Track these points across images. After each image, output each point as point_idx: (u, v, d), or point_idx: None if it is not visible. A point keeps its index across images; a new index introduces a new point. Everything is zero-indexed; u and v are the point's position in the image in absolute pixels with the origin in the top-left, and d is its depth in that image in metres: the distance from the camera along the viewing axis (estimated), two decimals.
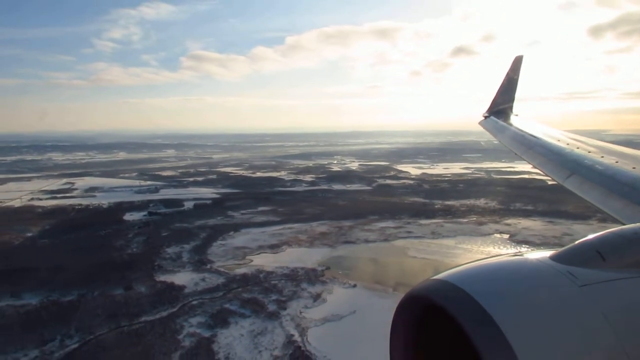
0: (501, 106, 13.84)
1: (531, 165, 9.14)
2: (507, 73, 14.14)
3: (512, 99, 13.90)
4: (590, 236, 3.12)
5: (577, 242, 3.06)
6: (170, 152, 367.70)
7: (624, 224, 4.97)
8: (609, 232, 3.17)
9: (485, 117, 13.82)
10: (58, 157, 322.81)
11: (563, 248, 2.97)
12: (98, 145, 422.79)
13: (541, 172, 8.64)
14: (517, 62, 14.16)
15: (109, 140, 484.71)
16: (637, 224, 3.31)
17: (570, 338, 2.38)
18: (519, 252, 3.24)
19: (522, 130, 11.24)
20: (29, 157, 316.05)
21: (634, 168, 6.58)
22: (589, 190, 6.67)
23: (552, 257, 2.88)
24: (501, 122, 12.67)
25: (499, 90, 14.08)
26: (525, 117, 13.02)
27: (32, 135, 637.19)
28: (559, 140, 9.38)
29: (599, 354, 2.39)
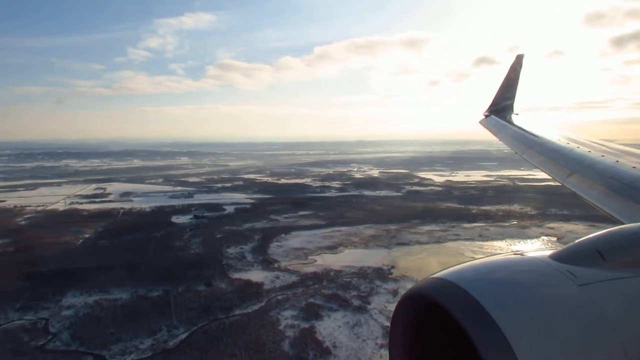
0: (502, 105, 13.79)
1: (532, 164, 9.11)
2: (508, 72, 14.17)
3: (512, 98, 13.85)
4: (590, 235, 3.14)
5: (577, 241, 3.10)
6: (184, 159, 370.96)
7: (624, 224, 5.05)
8: (608, 232, 3.19)
9: (486, 116, 13.73)
10: (75, 163, 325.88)
11: (563, 247, 3.00)
12: (109, 153, 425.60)
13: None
14: (518, 61, 14.17)
15: (117, 148, 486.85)
16: (637, 223, 3.34)
17: (569, 337, 2.38)
18: (519, 250, 3.26)
19: (522, 129, 11.27)
20: (46, 164, 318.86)
21: (634, 167, 6.55)
22: (589, 189, 6.65)
23: (552, 256, 2.89)
24: (502, 121, 12.63)
25: (499, 89, 14.05)
26: (525, 116, 12.99)
27: (40, 143, 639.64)
28: (559, 140, 9.33)
29: (598, 353, 2.38)
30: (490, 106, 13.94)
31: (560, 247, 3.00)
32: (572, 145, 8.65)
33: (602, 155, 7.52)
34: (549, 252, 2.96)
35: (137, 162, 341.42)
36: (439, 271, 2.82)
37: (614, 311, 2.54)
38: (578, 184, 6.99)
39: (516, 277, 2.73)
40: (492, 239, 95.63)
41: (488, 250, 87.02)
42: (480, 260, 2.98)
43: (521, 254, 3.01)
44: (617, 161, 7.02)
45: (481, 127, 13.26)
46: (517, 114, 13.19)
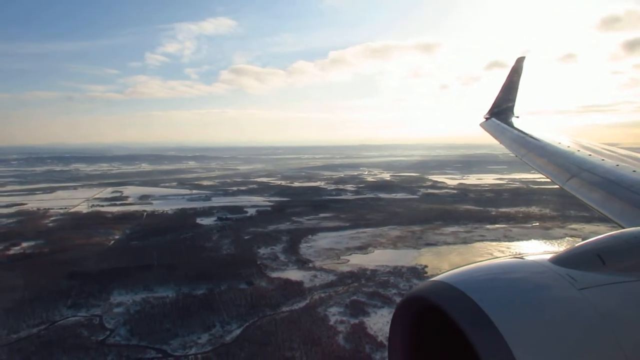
0: (502, 107, 13.72)
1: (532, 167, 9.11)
2: (509, 74, 14.11)
3: (513, 101, 13.78)
4: (590, 239, 3.14)
5: (577, 245, 3.10)
6: (192, 163, 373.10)
7: (624, 228, 5.07)
8: (609, 236, 3.19)
9: (487, 119, 13.64)
10: (84, 167, 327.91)
11: (563, 251, 3.01)
12: (116, 157, 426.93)
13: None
14: (519, 64, 14.21)
15: (122, 153, 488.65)
16: (638, 227, 3.35)
17: (569, 341, 2.38)
18: (519, 254, 3.25)
19: (522, 132, 11.24)
20: (56, 168, 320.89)
21: (634, 171, 6.56)
22: (590, 193, 6.65)
23: (552, 260, 2.90)
24: (502, 124, 12.58)
25: (500, 92, 14.02)
26: (525, 119, 13.00)
27: (43, 147, 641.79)
28: (559, 143, 9.29)
29: (597, 357, 2.38)
30: (491, 109, 13.93)
31: (560, 251, 3.02)
32: (572, 148, 8.66)
33: (602, 159, 7.53)
34: (549, 256, 2.97)
35: (145, 166, 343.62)
36: (439, 274, 2.85)
37: (614, 315, 2.53)
38: (578, 188, 6.97)
39: (516, 280, 2.74)
40: (518, 240, 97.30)
41: (516, 251, 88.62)
42: (480, 263, 2.98)
43: (521, 258, 3.02)
44: (617, 165, 7.04)
45: (485, 131, 13.12)
46: (517, 117, 13.16)
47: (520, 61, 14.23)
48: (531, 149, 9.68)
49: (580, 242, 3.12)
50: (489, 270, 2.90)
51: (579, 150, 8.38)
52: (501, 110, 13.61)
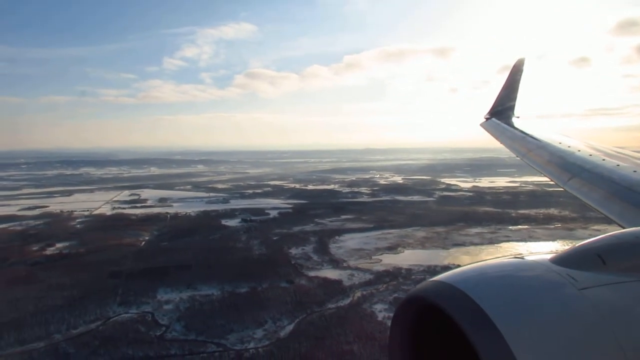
0: (502, 108, 13.72)
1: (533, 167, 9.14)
2: (509, 75, 14.17)
3: (513, 101, 13.76)
4: (591, 239, 3.17)
5: (577, 245, 3.12)
6: (201, 167, 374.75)
7: (624, 228, 5.08)
8: (609, 236, 3.22)
9: (487, 119, 13.69)
10: (94, 171, 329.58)
11: (563, 251, 3.02)
12: (124, 161, 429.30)
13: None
14: (519, 65, 14.27)
15: (127, 157, 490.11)
16: (638, 227, 3.41)
17: (569, 341, 2.40)
18: (519, 254, 3.27)
19: (523, 132, 11.26)
20: (66, 172, 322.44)
21: (635, 172, 6.57)
22: (590, 193, 6.65)
23: (553, 260, 2.92)
24: (502, 124, 12.61)
25: (500, 92, 14.05)
26: (526, 119, 13.02)
27: (48, 152, 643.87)
28: (560, 143, 9.28)
29: (598, 357, 2.40)
30: (492, 109, 13.96)
31: (560, 251, 3.04)
32: (573, 148, 8.64)
33: (603, 159, 7.51)
34: (549, 256, 2.99)
35: (155, 170, 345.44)
36: (439, 274, 2.86)
37: (615, 315, 2.55)
38: (579, 188, 6.98)
39: (517, 280, 2.76)
40: (544, 240, 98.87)
41: (545, 250, 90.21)
42: (481, 263, 3.00)
43: (521, 258, 3.04)
44: (618, 165, 7.04)
45: (485, 130, 13.22)
46: (518, 117, 13.18)
47: (520, 62, 14.36)
48: (531, 149, 9.73)
49: (580, 242, 3.16)
50: (489, 270, 2.93)
51: (579, 151, 8.41)
52: (501, 111, 13.66)
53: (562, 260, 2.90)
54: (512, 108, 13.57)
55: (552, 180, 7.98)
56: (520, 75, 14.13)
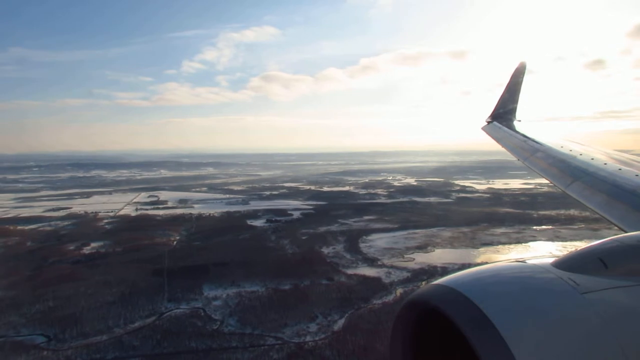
0: (504, 111, 13.72)
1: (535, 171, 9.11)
2: (511, 78, 14.15)
3: (515, 104, 13.78)
4: (593, 243, 3.20)
5: (579, 249, 3.14)
6: (211, 170, 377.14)
7: (626, 232, 5.12)
8: (611, 240, 3.24)
9: (488, 123, 13.64)
10: (106, 174, 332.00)
11: (565, 255, 3.05)
12: (132, 164, 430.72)
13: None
14: (521, 68, 14.29)
15: (135, 160, 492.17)
16: None
17: (571, 345, 2.39)
18: (521, 258, 3.26)
19: (524, 136, 11.25)
20: (79, 174, 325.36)
21: (637, 175, 6.56)
22: (592, 197, 6.64)
23: (554, 264, 2.93)
24: (504, 128, 12.61)
25: (502, 96, 14.01)
26: (527, 123, 13.00)
27: (54, 155, 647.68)
28: (562, 147, 9.30)
29: None
30: (493, 112, 13.90)
31: (562, 255, 3.05)
32: (575, 152, 8.64)
33: (605, 163, 7.51)
34: (551, 260, 3.00)
35: (165, 172, 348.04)
36: (441, 278, 2.88)
37: (617, 320, 2.55)
38: (580, 192, 6.97)
39: (518, 284, 2.78)
40: (571, 240, 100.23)
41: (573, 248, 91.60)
42: (482, 267, 3.01)
43: (523, 262, 3.05)
44: (620, 169, 7.03)
45: (487, 134, 13.20)
46: (519, 121, 13.18)
47: (522, 66, 14.40)
48: (533, 153, 9.68)
49: (582, 246, 3.19)
50: (491, 274, 2.96)
51: (581, 154, 8.39)
52: (503, 114, 13.67)
53: (564, 264, 2.93)
54: (513, 111, 13.69)
55: (553, 184, 8.00)
56: (522, 78, 14.21)
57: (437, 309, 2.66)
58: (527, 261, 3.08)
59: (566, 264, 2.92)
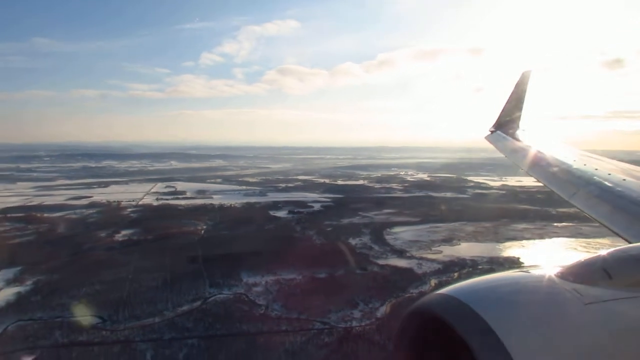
0: (508, 120, 13.68)
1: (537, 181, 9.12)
2: (514, 88, 14.07)
3: (519, 112, 13.76)
4: (597, 254, 3.15)
5: (583, 259, 3.11)
6: (220, 162, 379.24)
7: (630, 242, 5.18)
8: (616, 250, 3.22)
9: (492, 132, 13.62)
10: (117, 165, 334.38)
11: (569, 265, 3.02)
12: (141, 155, 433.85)
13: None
14: (525, 77, 14.23)
15: (143, 151, 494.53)
16: None
17: (574, 356, 2.38)
18: (525, 268, 3.26)
19: (528, 145, 11.27)
20: (90, 164, 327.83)
21: None
22: (596, 207, 6.64)
23: (558, 274, 2.92)
24: (507, 137, 12.57)
25: (506, 105, 13.97)
26: (531, 131, 13.00)
27: (60, 145, 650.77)
28: (565, 157, 9.31)
29: None
30: (497, 121, 13.91)
31: (566, 265, 3.05)
32: (579, 162, 8.67)
33: (609, 174, 7.50)
34: (555, 270, 3.00)
35: (175, 164, 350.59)
36: (444, 287, 2.89)
37: (621, 331, 2.56)
38: (584, 202, 6.99)
39: (522, 294, 2.77)
40: (595, 237, 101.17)
41: (598, 246, 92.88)
42: (487, 277, 3.05)
43: (527, 271, 3.07)
44: (624, 179, 7.02)
45: (490, 144, 13.20)
46: (523, 130, 13.12)
47: (526, 75, 14.32)
48: (537, 162, 9.68)
49: (587, 257, 3.18)
50: (495, 284, 2.98)
51: (585, 164, 8.38)
52: (507, 123, 13.66)
53: (567, 274, 2.93)
54: (517, 120, 13.62)
55: (557, 194, 7.98)
56: (526, 87, 14.14)
57: (440, 319, 2.68)
58: (530, 271, 3.11)
59: (570, 274, 2.92)
